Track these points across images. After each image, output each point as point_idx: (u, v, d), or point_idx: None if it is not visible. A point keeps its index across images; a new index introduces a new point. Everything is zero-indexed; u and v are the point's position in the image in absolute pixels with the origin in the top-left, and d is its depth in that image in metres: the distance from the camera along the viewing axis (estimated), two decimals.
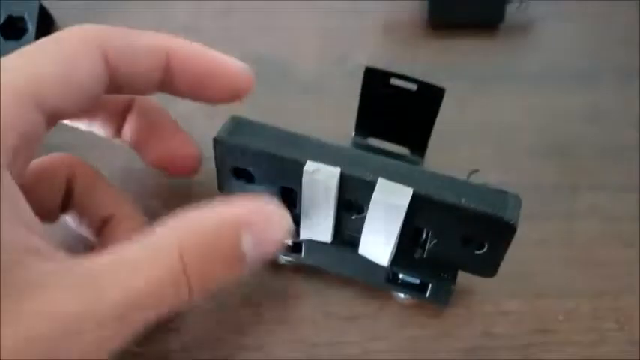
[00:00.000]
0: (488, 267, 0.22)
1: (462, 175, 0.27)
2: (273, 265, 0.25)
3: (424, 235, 0.22)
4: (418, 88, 0.24)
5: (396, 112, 0.25)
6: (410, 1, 0.32)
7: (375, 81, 0.24)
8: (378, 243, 0.22)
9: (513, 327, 0.25)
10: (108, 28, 0.21)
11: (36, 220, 0.18)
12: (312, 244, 0.23)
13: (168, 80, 0.22)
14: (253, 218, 0.19)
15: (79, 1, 0.32)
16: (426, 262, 0.22)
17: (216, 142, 0.22)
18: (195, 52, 0.22)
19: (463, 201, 0.20)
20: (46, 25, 0.31)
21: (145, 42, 0.21)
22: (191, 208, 0.18)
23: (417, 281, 0.23)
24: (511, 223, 0.19)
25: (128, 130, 0.25)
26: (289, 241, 0.24)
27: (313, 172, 0.20)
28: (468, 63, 0.31)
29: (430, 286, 0.23)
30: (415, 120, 0.25)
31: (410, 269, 0.23)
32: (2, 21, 0.30)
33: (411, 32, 0.32)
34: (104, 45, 0.20)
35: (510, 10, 0.31)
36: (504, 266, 0.21)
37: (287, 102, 0.30)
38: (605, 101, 0.30)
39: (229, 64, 0.23)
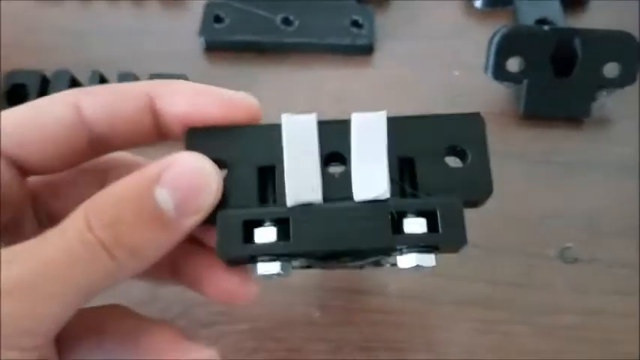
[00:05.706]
0: (481, 180, 0.21)
1: (555, 253, 0.31)
2: None
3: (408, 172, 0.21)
4: None
5: None
6: (502, 95, 0.37)
7: None
8: (369, 173, 0.20)
9: None
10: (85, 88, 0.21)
11: None
12: (300, 224, 0.20)
13: (162, 124, 0.21)
14: (163, 169, 0.18)
15: None
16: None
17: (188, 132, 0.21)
18: (179, 88, 0.21)
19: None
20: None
21: (121, 87, 0.21)
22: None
23: (424, 221, 0.20)
24: (481, 115, 0.21)
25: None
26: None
27: (291, 121, 0.20)
28: (557, 150, 0.36)
29: (439, 213, 0.20)
30: None
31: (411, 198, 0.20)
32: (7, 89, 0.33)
33: (505, 121, 0.37)
34: (77, 95, 0.20)
35: (595, 106, 0.36)
36: (591, 332, 0.25)
37: None
38: None
39: (222, 92, 0.21)
